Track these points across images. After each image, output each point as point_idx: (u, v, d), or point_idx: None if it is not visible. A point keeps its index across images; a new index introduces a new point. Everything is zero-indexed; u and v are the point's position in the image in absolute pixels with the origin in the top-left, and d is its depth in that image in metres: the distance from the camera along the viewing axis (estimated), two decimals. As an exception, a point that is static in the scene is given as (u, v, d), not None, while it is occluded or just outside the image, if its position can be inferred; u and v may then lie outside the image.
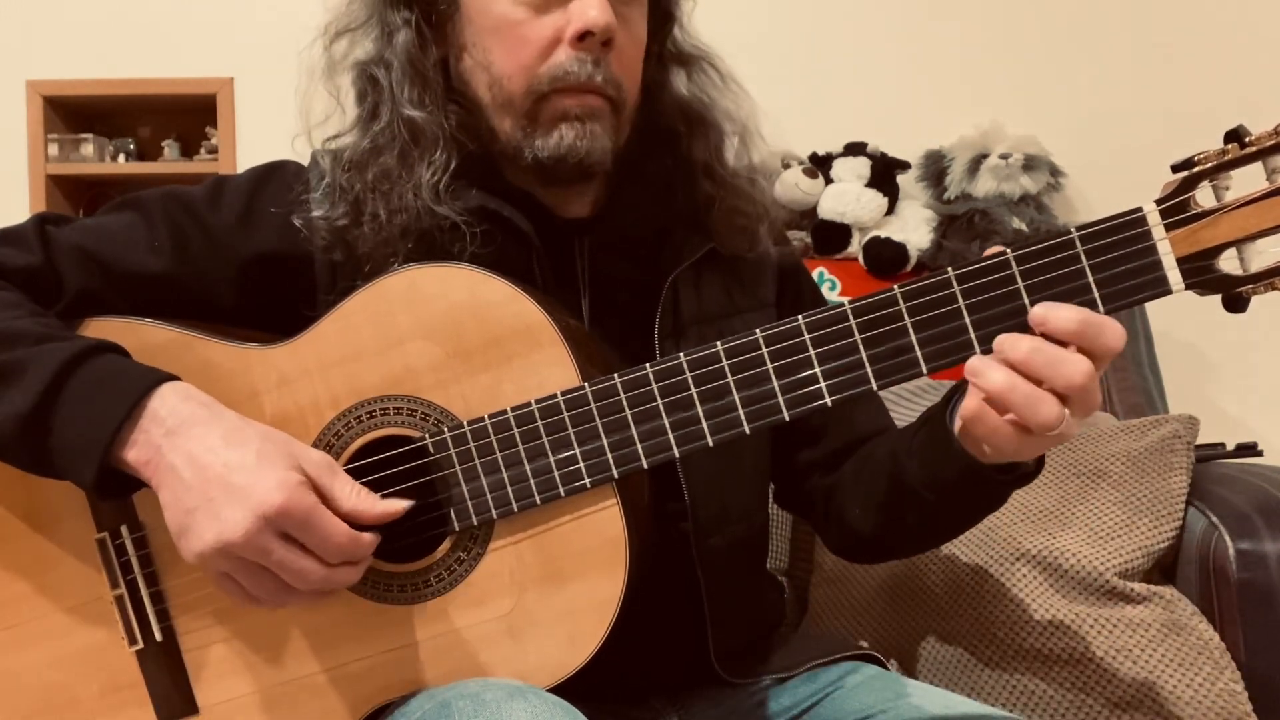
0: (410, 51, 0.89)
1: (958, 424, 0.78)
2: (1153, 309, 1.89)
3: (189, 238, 0.88)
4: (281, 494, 0.70)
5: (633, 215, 0.95)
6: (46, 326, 0.79)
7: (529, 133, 0.87)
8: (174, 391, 0.75)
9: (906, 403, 1.54)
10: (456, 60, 0.91)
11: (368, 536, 0.74)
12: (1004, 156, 2.09)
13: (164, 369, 0.77)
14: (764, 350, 0.74)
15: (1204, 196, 0.68)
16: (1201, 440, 1.33)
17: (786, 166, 2.15)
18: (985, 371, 0.69)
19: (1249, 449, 1.45)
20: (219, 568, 0.73)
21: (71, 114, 2.46)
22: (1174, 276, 0.68)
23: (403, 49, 0.89)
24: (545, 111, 0.86)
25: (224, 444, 0.72)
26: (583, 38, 0.83)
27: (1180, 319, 2.10)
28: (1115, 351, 0.68)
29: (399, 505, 0.76)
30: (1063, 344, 0.68)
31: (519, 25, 0.85)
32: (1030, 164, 2.11)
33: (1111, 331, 0.68)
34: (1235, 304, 0.69)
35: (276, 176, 0.92)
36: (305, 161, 0.93)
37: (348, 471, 0.79)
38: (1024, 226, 2.08)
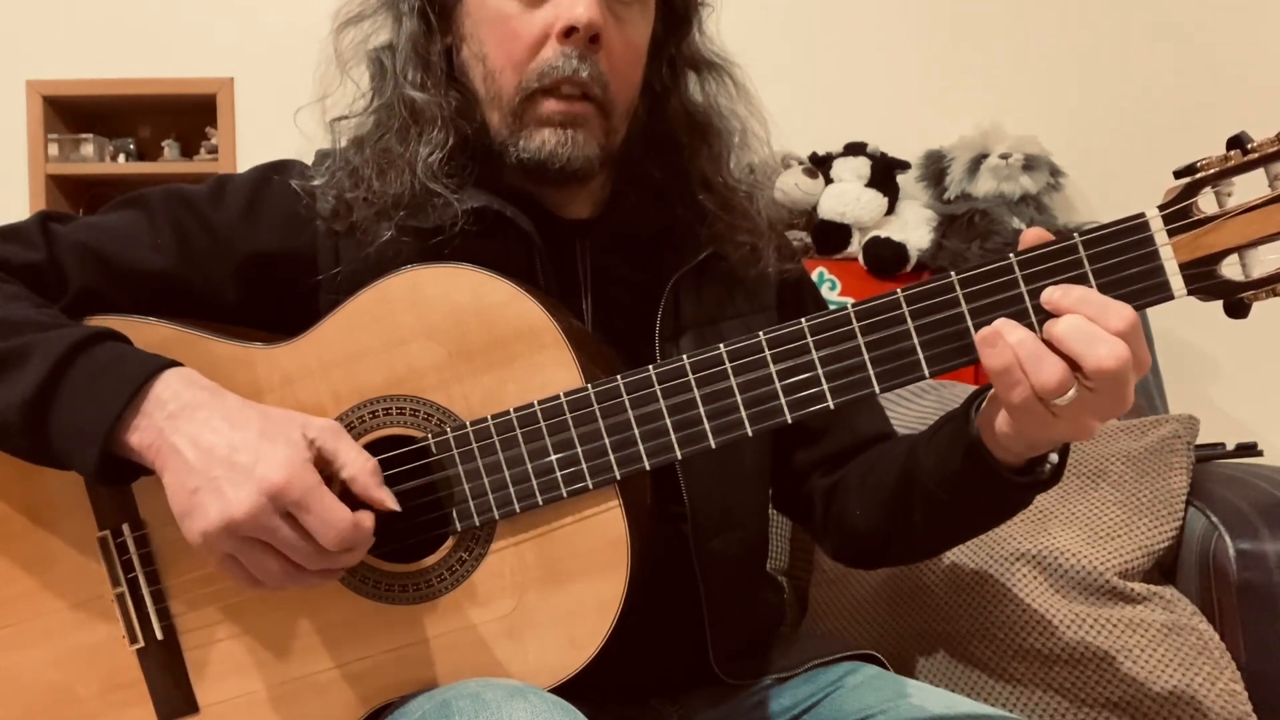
0: (415, 37, 0.91)
1: (977, 420, 0.78)
2: (1154, 310, 1.89)
3: (191, 235, 0.88)
4: (284, 470, 0.70)
5: (634, 217, 0.95)
6: (51, 316, 0.79)
7: (514, 131, 0.88)
8: (177, 376, 0.75)
9: (908, 403, 1.54)
10: (458, 50, 0.92)
11: (368, 521, 0.73)
12: (1004, 156, 2.09)
13: None
14: (766, 352, 0.74)
15: (1206, 202, 0.68)
16: (1201, 440, 1.33)
17: (787, 166, 2.15)
18: (1006, 331, 0.68)
19: (1249, 449, 1.45)
20: (223, 549, 0.72)
21: (71, 114, 2.46)
22: (1176, 282, 0.68)
23: (407, 35, 0.91)
24: (530, 113, 0.87)
25: (227, 425, 0.72)
26: (569, 33, 0.84)
27: (1181, 320, 2.10)
28: (1120, 331, 0.67)
29: (392, 502, 0.75)
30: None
31: (511, 19, 0.86)
32: (1030, 164, 2.11)
33: (1115, 311, 0.67)
34: (1237, 309, 0.69)
35: (280, 174, 0.92)
36: (305, 159, 0.94)
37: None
38: (1024, 226, 2.08)
